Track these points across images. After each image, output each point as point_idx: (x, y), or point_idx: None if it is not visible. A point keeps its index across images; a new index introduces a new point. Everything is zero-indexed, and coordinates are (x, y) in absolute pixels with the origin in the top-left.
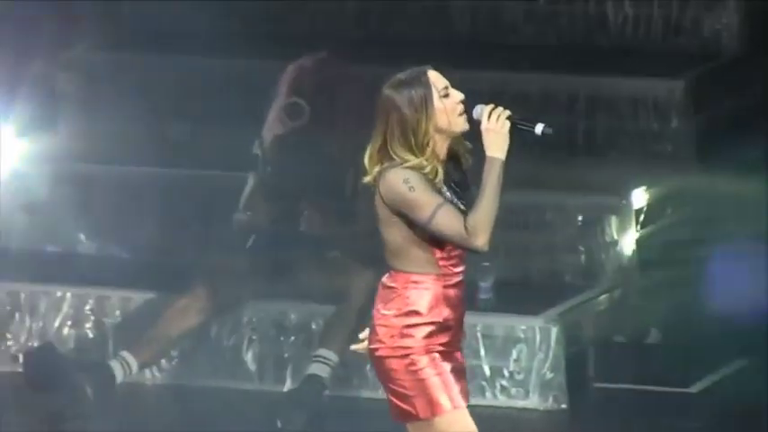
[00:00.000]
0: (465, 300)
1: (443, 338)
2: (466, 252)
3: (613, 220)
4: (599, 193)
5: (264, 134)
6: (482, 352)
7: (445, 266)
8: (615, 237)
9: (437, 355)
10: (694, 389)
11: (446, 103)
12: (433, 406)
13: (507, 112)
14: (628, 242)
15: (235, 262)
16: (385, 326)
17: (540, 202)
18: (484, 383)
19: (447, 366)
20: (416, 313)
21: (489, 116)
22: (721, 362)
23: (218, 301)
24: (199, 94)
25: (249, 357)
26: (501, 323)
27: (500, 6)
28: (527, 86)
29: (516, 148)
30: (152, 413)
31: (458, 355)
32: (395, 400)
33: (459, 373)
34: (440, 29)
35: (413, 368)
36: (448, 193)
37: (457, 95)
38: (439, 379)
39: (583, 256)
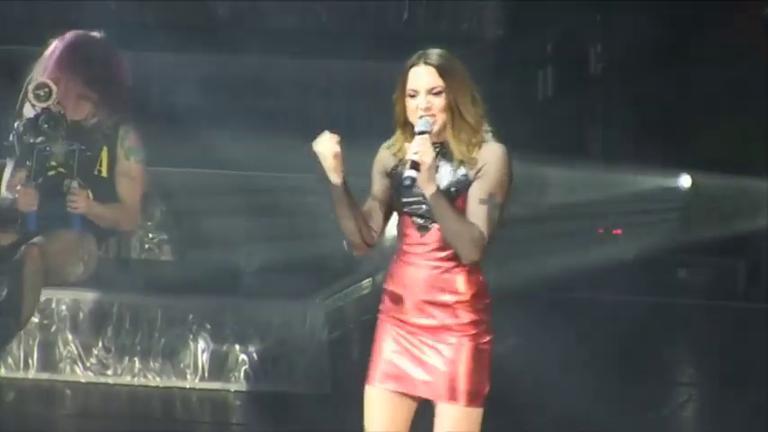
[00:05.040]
0: (428, 286)
1: (397, 312)
2: (428, 239)
3: None
4: (360, 178)
5: (19, 116)
6: (247, 337)
7: (405, 241)
8: None
9: (395, 330)
10: None
11: (408, 102)
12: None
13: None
14: (390, 226)
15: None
16: None
17: (302, 185)
18: (247, 368)
19: (394, 345)
20: (386, 276)
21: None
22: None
23: None
24: None
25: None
26: (265, 308)
27: None
28: (287, 73)
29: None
30: None
31: (425, 348)
32: None
33: (410, 360)
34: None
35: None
36: (405, 174)
37: (418, 103)
38: (377, 349)
39: (345, 241)
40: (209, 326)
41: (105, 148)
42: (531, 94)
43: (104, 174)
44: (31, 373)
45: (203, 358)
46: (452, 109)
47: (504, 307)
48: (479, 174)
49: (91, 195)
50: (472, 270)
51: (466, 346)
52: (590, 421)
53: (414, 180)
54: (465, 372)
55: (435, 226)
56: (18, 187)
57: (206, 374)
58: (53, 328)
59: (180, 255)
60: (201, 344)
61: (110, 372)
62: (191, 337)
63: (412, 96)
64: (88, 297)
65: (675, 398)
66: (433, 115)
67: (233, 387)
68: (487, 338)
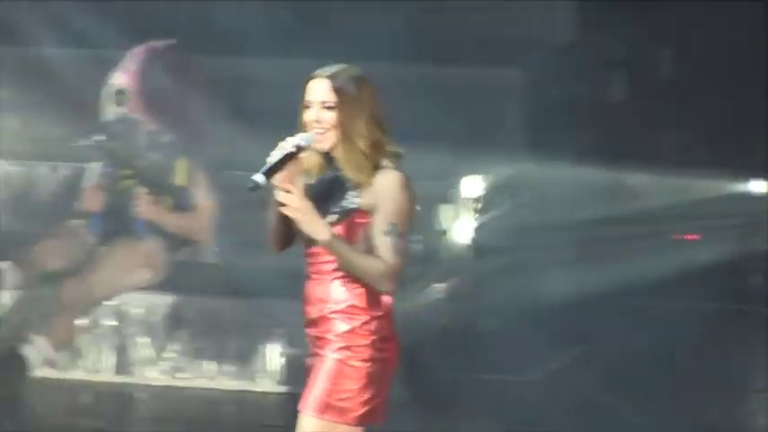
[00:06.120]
0: (323, 303)
1: (309, 330)
2: (314, 250)
3: (446, 209)
4: (431, 181)
5: (101, 122)
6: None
7: (307, 262)
8: (449, 225)
9: (309, 345)
10: (533, 376)
11: (305, 113)
12: None
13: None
14: (462, 230)
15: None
16: None
17: None
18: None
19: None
20: None
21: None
22: (560, 349)
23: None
24: None
25: None
26: None
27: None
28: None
29: None
30: None
31: (321, 359)
32: None
33: (308, 376)
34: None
35: None
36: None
37: (310, 115)
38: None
39: (420, 245)
40: (284, 330)
41: (182, 158)
42: (603, 97)
43: (180, 183)
44: (106, 376)
45: (278, 363)
46: (343, 127)
47: (578, 312)
48: (377, 204)
49: (166, 203)
50: (355, 281)
51: (330, 359)
52: (662, 425)
53: (257, 185)
54: (322, 382)
55: None
56: (86, 187)
57: (281, 379)
58: (127, 332)
59: (254, 258)
60: (277, 348)
61: (183, 375)
62: (266, 341)
63: (308, 108)
64: (162, 301)
65: (751, 404)
66: (325, 129)
67: None
68: (365, 355)
